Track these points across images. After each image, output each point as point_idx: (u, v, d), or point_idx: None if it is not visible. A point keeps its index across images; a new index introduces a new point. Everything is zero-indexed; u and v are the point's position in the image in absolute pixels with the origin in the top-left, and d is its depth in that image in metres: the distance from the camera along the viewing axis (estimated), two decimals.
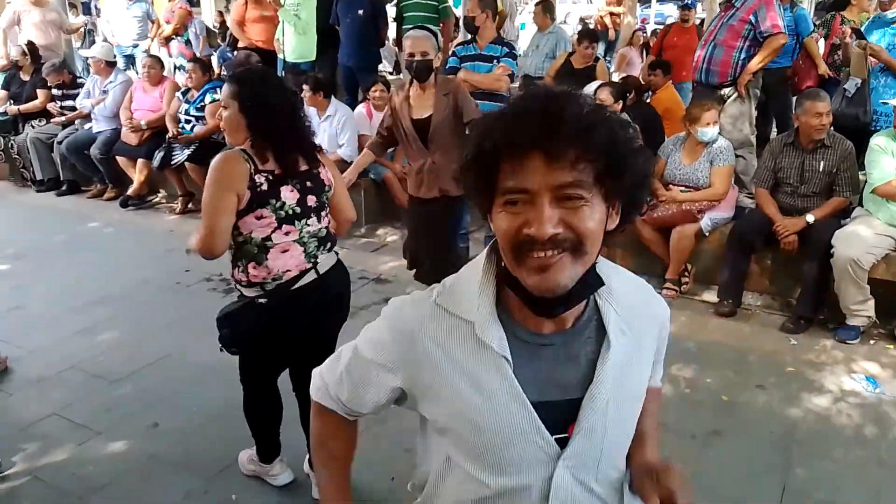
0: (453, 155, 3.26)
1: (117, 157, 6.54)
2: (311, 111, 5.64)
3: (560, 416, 1.03)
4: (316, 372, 1.26)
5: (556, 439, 1.03)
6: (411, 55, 3.46)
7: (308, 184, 2.33)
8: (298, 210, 2.30)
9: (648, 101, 5.80)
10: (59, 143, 6.83)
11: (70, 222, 6.14)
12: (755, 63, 4.70)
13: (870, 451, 2.93)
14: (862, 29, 4.44)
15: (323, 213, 2.39)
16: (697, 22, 7.97)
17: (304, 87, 5.54)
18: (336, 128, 5.58)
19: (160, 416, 3.12)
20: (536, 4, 7.09)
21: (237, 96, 2.22)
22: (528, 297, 0.96)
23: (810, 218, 3.91)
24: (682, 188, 4.42)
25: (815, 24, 6.01)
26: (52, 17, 7.76)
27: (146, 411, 3.17)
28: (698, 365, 3.59)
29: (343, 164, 5.56)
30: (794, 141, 4.05)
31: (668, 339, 1.24)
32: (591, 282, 0.99)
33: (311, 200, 2.33)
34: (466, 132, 1.06)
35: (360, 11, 6.33)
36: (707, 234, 4.32)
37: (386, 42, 13.72)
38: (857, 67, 4.37)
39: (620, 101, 4.63)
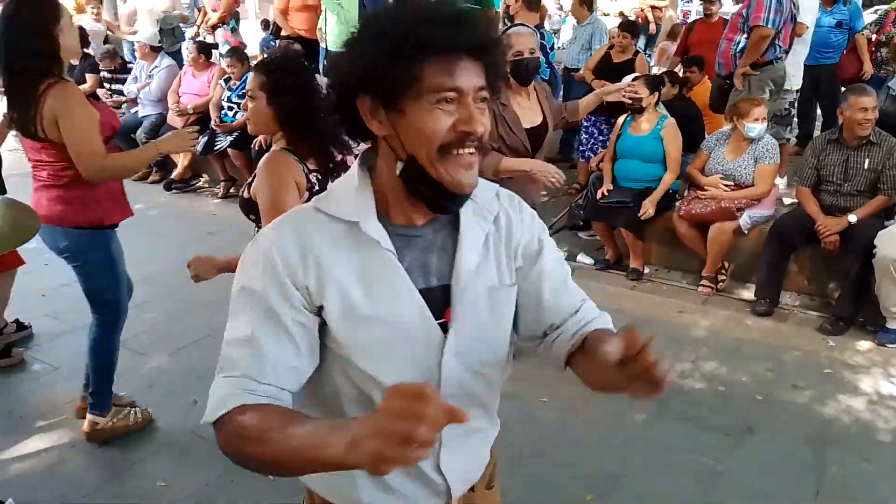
0: None
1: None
2: None
3: (437, 303, 1.07)
4: (214, 386, 1.02)
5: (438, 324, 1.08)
6: (518, 53, 3.02)
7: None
8: None
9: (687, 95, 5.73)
10: None
11: None
12: (744, 58, 4.69)
13: None
14: None
15: None
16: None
17: None
18: None
19: (200, 393, 3.21)
20: None
21: (264, 87, 2.12)
22: (435, 192, 1.01)
23: (853, 218, 3.85)
24: (724, 185, 4.37)
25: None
26: None
27: (187, 388, 3.27)
28: (733, 363, 3.57)
29: None
30: (839, 138, 3.98)
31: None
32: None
33: None
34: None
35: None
36: (746, 231, 4.27)
37: None
38: None
39: (656, 93, 4.58)
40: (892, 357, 3.63)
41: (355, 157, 2.21)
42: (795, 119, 5.70)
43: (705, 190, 4.39)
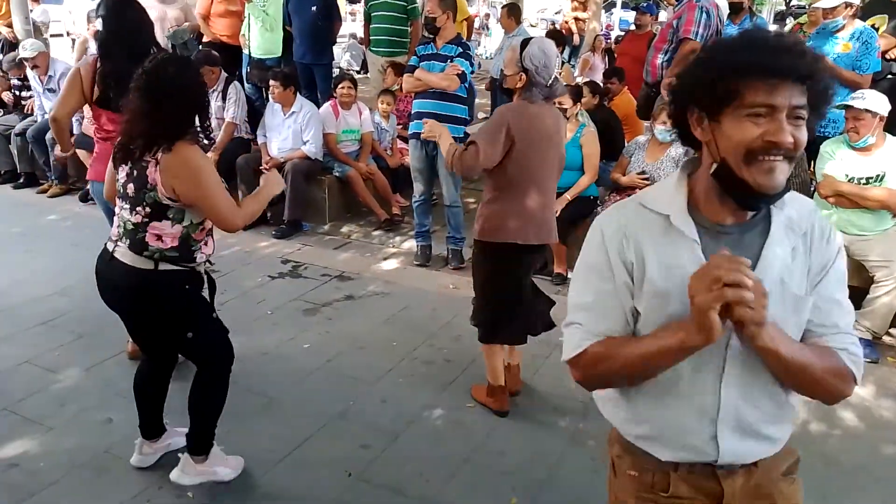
0: None
1: (77, 151, 6.41)
2: (275, 107, 5.65)
3: None
4: (567, 332, 1.35)
5: None
6: None
7: (135, 173, 2.34)
8: (121, 191, 2.40)
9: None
10: (18, 135, 6.69)
11: (28, 215, 6.03)
12: (671, 69, 4.89)
13: (816, 449, 3.01)
14: (809, 39, 4.59)
15: (139, 208, 2.35)
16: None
17: (273, 82, 5.53)
18: (301, 124, 5.58)
19: (118, 410, 3.09)
20: (503, 8, 7.19)
21: None
22: (742, 191, 1.20)
23: None
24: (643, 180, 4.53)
25: None
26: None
27: (103, 406, 3.14)
28: None
29: (308, 161, 5.59)
30: None
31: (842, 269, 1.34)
32: (786, 186, 1.22)
33: (130, 189, 2.36)
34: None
35: (314, 8, 6.38)
36: None
37: (353, 40, 13.82)
38: None
39: (578, 104, 4.72)
40: None
41: (155, 168, 2.29)
42: None
43: (628, 191, 4.53)
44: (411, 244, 5.27)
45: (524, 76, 2.88)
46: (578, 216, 4.69)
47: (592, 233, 1.34)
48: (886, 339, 3.96)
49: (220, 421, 2.68)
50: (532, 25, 15.96)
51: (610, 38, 11.25)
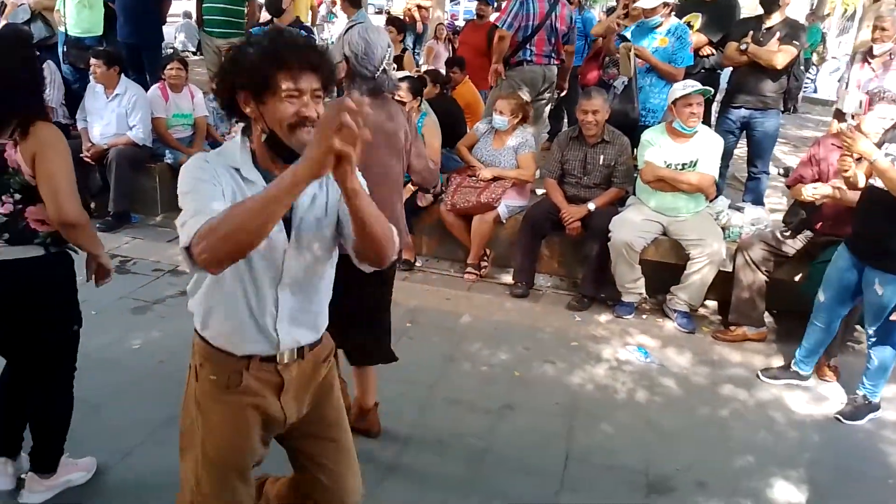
0: None
1: None
2: (97, 89, 5.19)
3: (286, 224, 1.61)
4: (182, 233, 1.50)
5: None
6: None
7: None
8: None
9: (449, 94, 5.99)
10: None
11: None
12: (493, 57, 5.30)
13: (641, 415, 3.28)
14: (629, 34, 4.90)
15: (4, 197, 2.15)
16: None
17: (95, 61, 5.07)
18: (126, 107, 5.15)
19: None
20: None
21: None
22: (287, 152, 1.55)
23: (591, 206, 4.29)
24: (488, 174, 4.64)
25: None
26: None
27: None
28: (494, 343, 3.80)
29: (135, 148, 5.19)
30: (579, 135, 4.41)
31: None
32: None
33: None
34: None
35: None
36: (504, 221, 4.57)
37: (188, 20, 13.02)
38: (623, 67, 4.82)
39: (418, 98, 4.65)
40: (628, 327, 4.11)
41: (15, 150, 2.09)
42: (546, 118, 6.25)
43: (468, 170, 4.64)
44: None
45: (346, 65, 2.67)
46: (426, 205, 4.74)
47: (193, 163, 1.60)
48: (701, 310, 4.35)
49: None
50: (378, 12, 15.88)
51: (452, 28, 11.42)
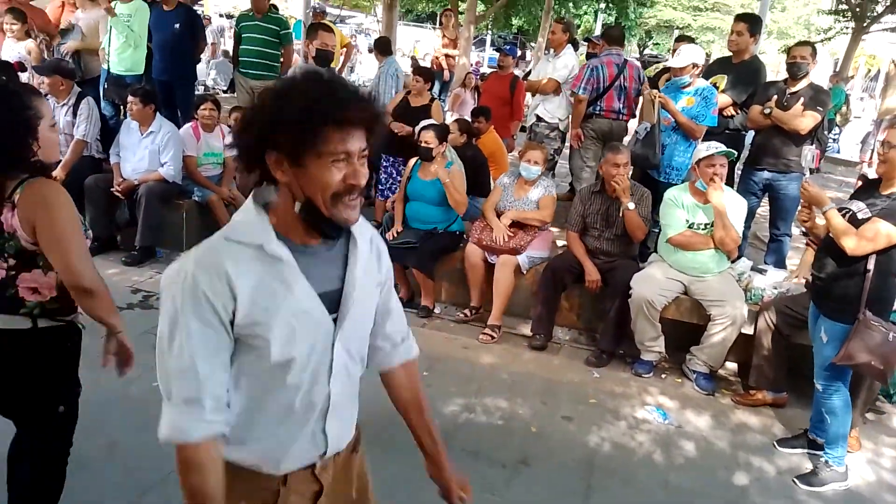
0: None
1: None
2: (131, 125, 5.33)
3: (330, 303, 1.38)
4: (163, 422, 1.29)
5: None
6: None
7: None
8: None
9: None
10: None
11: None
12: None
13: (658, 477, 3.24)
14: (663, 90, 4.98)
15: None
16: (521, 72, 8.46)
17: (132, 98, 5.22)
18: (159, 145, 5.28)
19: None
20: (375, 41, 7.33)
21: None
22: (325, 223, 1.32)
23: (631, 205, 4.27)
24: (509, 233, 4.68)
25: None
26: None
27: None
28: (511, 395, 3.79)
29: (165, 184, 5.30)
30: (601, 189, 4.45)
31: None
32: None
33: None
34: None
35: (177, 25, 6.21)
36: (525, 271, 4.59)
37: (223, 58, 13.38)
38: (647, 113, 4.90)
39: (444, 143, 4.80)
40: (646, 386, 4.08)
41: (12, 213, 1.95)
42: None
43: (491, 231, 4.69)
44: None
45: None
46: (444, 250, 4.78)
47: (182, 285, 1.28)
48: (721, 371, 4.31)
49: None
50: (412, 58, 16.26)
51: (478, 75, 11.62)
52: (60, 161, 5.05)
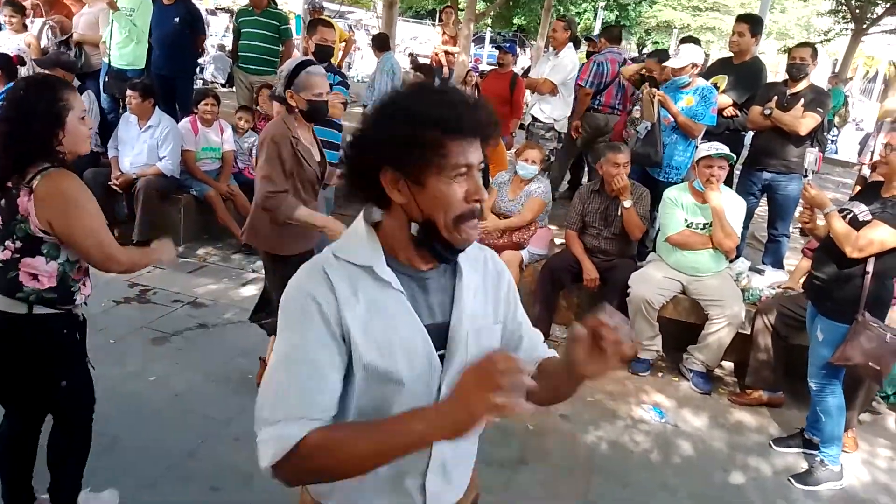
0: None
1: None
2: (130, 119, 5.32)
3: (438, 339, 1.25)
4: (265, 447, 1.14)
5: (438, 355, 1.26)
6: (318, 94, 3.10)
7: (2, 202, 2.08)
8: None
9: None
10: None
11: None
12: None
13: (656, 477, 3.24)
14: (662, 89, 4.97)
15: (7, 243, 2.08)
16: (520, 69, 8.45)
17: (132, 92, 5.20)
18: (157, 139, 5.27)
19: None
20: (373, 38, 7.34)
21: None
22: (446, 248, 1.21)
23: (627, 203, 4.26)
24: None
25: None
26: None
27: None
28: None
29: (163, 178, 5.28)
30: (600, 188, 4.45)
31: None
32: None
33: None
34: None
35: (177, 19, 6.19)
36: (526, 266, 4.60)
37: (221, 52, 13.33)
38: (647, 112, 4.89)
39: None
40: (643, 385, 4.09)
41: (28, 198, 2.01)
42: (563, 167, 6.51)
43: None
44: None
45: None
46: None
47: (308, 288, 1.20)
48: (718, 371, 4.32)
49: None
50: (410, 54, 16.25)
51: (478, 72, 11.60)
52: (89, 153, 5.06)
